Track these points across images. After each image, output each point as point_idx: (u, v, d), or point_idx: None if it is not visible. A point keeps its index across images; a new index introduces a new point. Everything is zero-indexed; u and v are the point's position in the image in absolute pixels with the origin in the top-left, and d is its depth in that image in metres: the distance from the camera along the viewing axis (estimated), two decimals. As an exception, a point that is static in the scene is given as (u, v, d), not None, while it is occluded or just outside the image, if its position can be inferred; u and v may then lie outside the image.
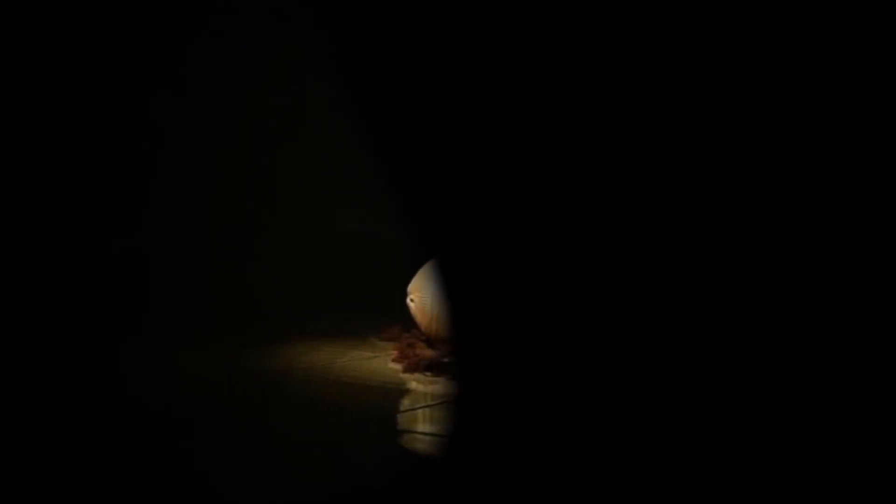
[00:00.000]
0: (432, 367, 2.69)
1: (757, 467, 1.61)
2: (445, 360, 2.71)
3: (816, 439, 1.60)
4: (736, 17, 1.61)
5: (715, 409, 1.65)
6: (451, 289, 1.95)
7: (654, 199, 1.67)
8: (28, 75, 3.12)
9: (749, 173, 1.64)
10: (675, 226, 1.67)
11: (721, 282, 1.66)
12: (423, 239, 2.31)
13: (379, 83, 1.82)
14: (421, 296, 2.83)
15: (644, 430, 1.67)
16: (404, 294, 2.88)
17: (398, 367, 2.74)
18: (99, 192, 3.27)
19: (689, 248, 1.68)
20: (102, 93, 3.21)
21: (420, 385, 2.61)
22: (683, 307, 1.68)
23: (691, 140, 1.65)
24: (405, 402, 2.50)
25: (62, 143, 3.21)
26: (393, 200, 1.98)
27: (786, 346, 1.63)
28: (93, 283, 3.14)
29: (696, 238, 1.67)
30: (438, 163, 1.79)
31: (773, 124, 1.62)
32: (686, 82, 1.64)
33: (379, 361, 2.80)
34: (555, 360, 1.74)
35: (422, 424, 2.27)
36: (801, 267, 1.63)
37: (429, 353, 2.78)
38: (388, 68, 1.78)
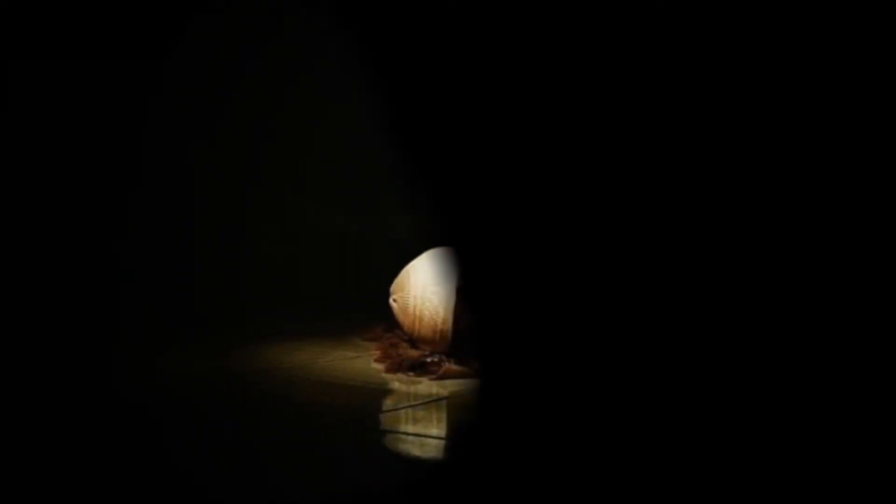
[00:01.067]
0: (415, 368, 2.69)
1: (760, 468, 1.61)
2: (428, 360, 2.71)
3: (817, 439, 1.60)
4: (736, 17, 1.61)
5: (723, 410, 1.65)
6: (470, 285, 1.95)
7: (658, 199, 1.67)
8: (25, 61, 3.08)
9: (750, 173, 1.64)
10: (682, 225, 1.67)
11: (727, 280, 1.65)
12: (441, 235, 2.31)
13: (393, 80, 1.81)
14: (403, 296, 2.82)
15: (658, 435, 1.66)
16: (387, 294, 2.88)
17: (381, 367, 2.73)
18: (94, 190, 3.25)
19: (703, 247, 1.68)
20: (99, 91, 3.18)
21: (403, 385, 2.60)
22: (698, 307, 1.67)
23: (692, 139, 1.65)
24: (393, 403, 2.50)
25: (56, 141, 3.18)
26: (412, 196, 1.97)
27: (794, 347, 1.62)
28: (83, 283, 3.12)
29: (708, 237, 1.67)
30: (457, 160, 1.78)
31: (774, 124, 1.62)
32: (686, 82, 1.64)
33: (362, 361, 2.79)
34: (568, 360, 1.73)
35: (411, 425, 2.26)
36: (802, 267, 1.63)
37: (412, 353, 2.77)
38: (402, 65, 1.78)
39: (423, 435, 2.18)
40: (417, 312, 2.79)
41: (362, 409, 2.38)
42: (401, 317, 2.85)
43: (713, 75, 1.64)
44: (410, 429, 2.23)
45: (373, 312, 2.97)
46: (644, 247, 1.70)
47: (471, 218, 1.85)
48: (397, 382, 2.62)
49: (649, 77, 1.66)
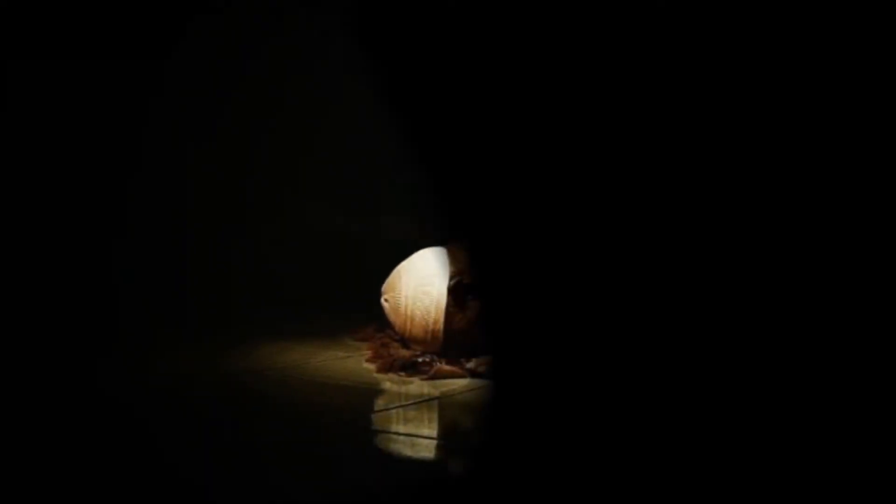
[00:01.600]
0: (407, 368, 2.70)
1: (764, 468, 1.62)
2: (419, 360, 2.72)
3: (817, 439, 1.61)
4: (736, 17, 1.62)
5: (723, 409, 1.66)
6: (485, 283, 1.95)
7: (660, 198, 1.68)
8: (24, 61, 3.06)
9: (752, 173, 1.64)
10: (686, 224, 1.68)
11: (731, 278, 1.66)
12: (441, 234, 2.31)
13: (395, 79, 1.82)
14: (395, 296, 2.83)
15: (658, 438, 1.67)
16: (378, 293, 2.89)
17: (372, 366, 2.74)
18: (93, 189, 3.24)
19: (707, 244, 1.69)
20: (99, 90, 3.17)
21: (395, 385, 2.62)
22: (703, 306, 1.68)
23: (692, 139, 1.66)
24: (384, 403, 2.51)
25: (55, 140, 3.17)
26: (414, 194, 1.97)
27: (801, 349, 1.63)
28: (81, 282, 3.11)
29: (710, 233, 1.68)
30: (461, 158, 1.79)
31: (774, 124, 1.63)
32: (686, 82, 1.65)
33: (353, 361, 2.80)
34: (569, 359, 1.74)
35: (402, 425, 2.28)
36: (804, 267, 1.64)
37: (403, 353, 2.78)
38: (404, 64, 1.79)
39: (414, 435, 2.20)
40: (409, 312, 2.80)
41: (355, 409, 2.39)
42: (392, 317, 2.85)
43: (713, 75, 1.65)
44: (402, 429, 2.24)
45: (372, 312, 2.97)
46: (647, 246, 1.71)
47: (475, 216, 1.86)
48: (389, 382, 2.64)
49: (650, 76, 1.67)
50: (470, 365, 2.69)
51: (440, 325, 2.76)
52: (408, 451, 2.10)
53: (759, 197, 1.66)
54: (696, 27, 1.64)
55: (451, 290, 2.78)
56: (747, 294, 1.67)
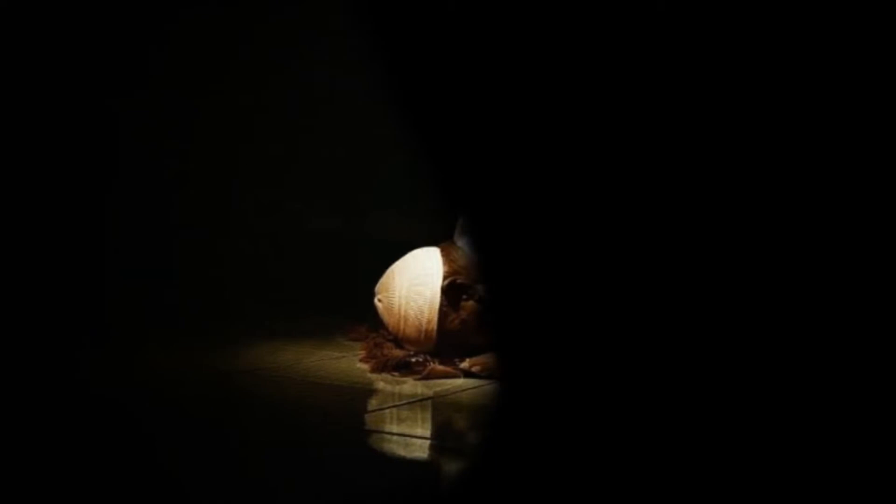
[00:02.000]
0: (400, 367, 2.70)
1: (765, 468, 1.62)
2: (413, 359, 2.72)
3: (819, 439, 1.61)
4: (736, 18, 1.62)
5: (723, 410, 1.65)
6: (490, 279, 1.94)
7: (661, 199, 1.68)
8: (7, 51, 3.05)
9: (752, 174, 1.65)
10: (690, 225, 1.68)
11: (736, 277, 1.66)
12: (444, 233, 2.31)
13: (398, 78, 1.82)
14: (388, 296, 2.83)
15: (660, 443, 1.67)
16: (372, 293, 2.89)
17: (366, 367, 2.74)
18: (79, 185, 3.24)
19: (711, 244, 1.68)
20: (92, 86, 3.16)
21: (388, 385, 2.62)
22: (706, 307, 1.68)
23: (692, 140, 1.66)
24: (378, 403, 2.51)
25: (45, 136, 3.16)
26: (422, 192, 1.97)
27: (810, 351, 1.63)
28: (69, 281, 3.11)
29: (714, 233, 1.68)
30: (466, 157, 1.79)
31: (775, 124, 1.63)
32: (686, 83, 1.65)
33: (347, 361, 2.80)
34: (569, 360, 1.74)
35: (396, 425, 2.27)
36: (805, 267, 1.65)
37: (397, 352, 2.78)
38: (407, 63, 1.79)
39: (408, 435, 2.20)
40: (402, 312, 2.80)
41: (348, 409, 2.39)
42: (386, 317, 2.85)
43: (714, 76, 1.65)
44: (395, 429, 2.24)
45: (365, 312, 2.96)
46: (652, 247, 1.71)
47: (479, 213, 1.85)
48: (382, 382, 2.63)
49: (651, 73, 1.67)
50: (464, 365, 2.69)
51: (434, 325, 2.76)
52: (401, 451, 2.10)
53: (761, 195, 1.66)
54: (696, 27, 1.65)
55: (445, 290, 2.78)
56: (752, 291, 1.66)
